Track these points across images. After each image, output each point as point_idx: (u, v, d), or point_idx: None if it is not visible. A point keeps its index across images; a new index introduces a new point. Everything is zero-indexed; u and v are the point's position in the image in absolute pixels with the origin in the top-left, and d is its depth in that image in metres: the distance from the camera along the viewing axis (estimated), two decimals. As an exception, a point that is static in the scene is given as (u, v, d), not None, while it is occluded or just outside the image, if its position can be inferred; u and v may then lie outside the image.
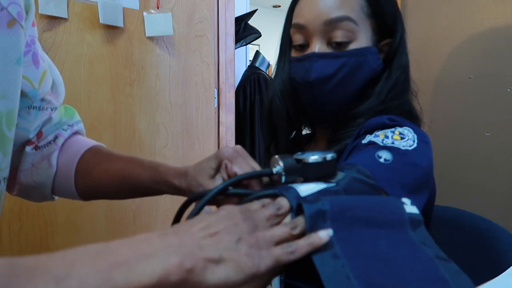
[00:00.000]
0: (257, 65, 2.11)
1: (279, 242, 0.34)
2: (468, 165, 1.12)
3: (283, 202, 0.37)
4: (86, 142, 0.64)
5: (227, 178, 0.47)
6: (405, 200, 0.38)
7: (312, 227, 0.34)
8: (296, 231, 0.34)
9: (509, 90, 1.02)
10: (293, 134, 0.73)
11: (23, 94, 0.54)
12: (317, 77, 0.60)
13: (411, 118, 0.62)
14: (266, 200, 0.39)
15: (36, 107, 0.57)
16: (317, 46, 0.61)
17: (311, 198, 0.38)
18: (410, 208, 0.38)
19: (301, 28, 0.62)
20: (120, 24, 1.19)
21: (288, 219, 0.37)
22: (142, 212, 1.28)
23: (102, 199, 0.64)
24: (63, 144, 0.62)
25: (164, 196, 1.31)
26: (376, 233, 0.35)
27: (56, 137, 0.62)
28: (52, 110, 0.60)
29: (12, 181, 0.61)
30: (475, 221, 0.72)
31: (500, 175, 1.04)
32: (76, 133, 0.66)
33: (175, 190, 0.52)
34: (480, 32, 1.08)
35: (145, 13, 1.23)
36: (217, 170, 0.48)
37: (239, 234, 0.32)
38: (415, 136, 0.53)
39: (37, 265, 0.25)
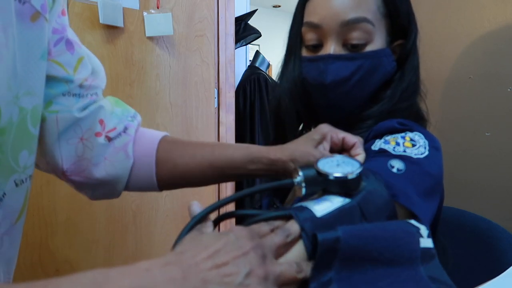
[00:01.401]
0: (257, 65, 2.11)
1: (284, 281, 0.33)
2: (468, 165, 1.12)
3: (293, 228, 0.36)
4: (155, 132, 0.63)
5: (328, 147, 0.53)
6: (423, 232, 0.37)
7: (318, 265, 0.34)
8: (301, 276, 0.34)
9: (509, 90, 1.02)
10: (301, 133, 0.72)
11: (57, 80, 0.52)
12: (333, 79, 0.58)
13: (418, 119, 0.61)
14: (277, 223, 0.37)
15: (76, 94, 0.55)
16: (333, 47, 0.58)
17: (327, 218, 0.37)
18: (425, 241, 0.37)
19: (315, 27, 0.59)
20: (120, 24, 1.19)
21: (300, 244, 0.36)
22: (142, 212, 1.28)
23: (183, 188, 0.64)
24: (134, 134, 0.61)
25: (164, 196, 1.31)
26: (382, 272, 0.34)
27: (126, 128, 0.60)
28: (92, 95, 0.58)
29: (79, 174, 0.57)
30: (475, 221, 0.72)
31: (500, 175, 1.04)
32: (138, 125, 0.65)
33: (270, 165, 0.54)
34: (480, 32, 1.08)
35: (145, 13, 1.23)
36: (320, 142, 0.54)
37: (249, 267, 0.30)
38: (426, 143, 0.52)
39: None
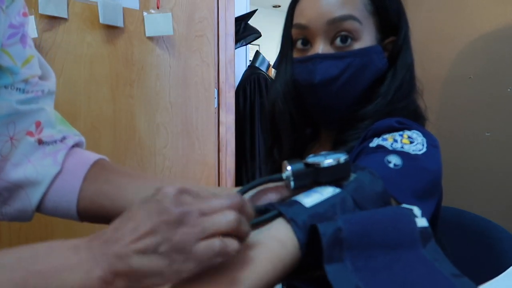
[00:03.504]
0: (257, 65, 2.11)
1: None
2: (468, 165, 1.12)
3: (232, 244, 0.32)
4: (93, 154, 0.58)
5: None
6: (416, 212, 0.38)
7: (328, 257, 0.34)
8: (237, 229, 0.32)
9: (509, 90, 1.02)
10: (296, 135, 0.72)
11: (1, 70, 0.48)
12: (321, 79, 0.59)
13: (416, 117, 0.61)
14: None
15: (19, 88, 0.51)
16: (321, 47, 0.59)
17: (317, 208, 0.37)
18: (420, 221, 0.37)
19: (303, 28, 0.60)
20: (120, 24, 1.19)
21: (288, 233, 0.36)
22: (142, 212, 1.28)
23: (98, 223, 0.56)
24: (71, 147, 0.56)
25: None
26: (390, 257, 0.35)
27: (64, 138, 0.55)
28: (38, 92, 0.53)
29: None
30: (476, 221, 0.72)
31: (500, 175, 1.04)
32: (79, 145, 0.60)
33: None
34: (480, 32, 1.08)
35: (145, 13, 1.23)
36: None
37: (165, 236, 0.29)
38: (424, 140, 0.52)
39: None
